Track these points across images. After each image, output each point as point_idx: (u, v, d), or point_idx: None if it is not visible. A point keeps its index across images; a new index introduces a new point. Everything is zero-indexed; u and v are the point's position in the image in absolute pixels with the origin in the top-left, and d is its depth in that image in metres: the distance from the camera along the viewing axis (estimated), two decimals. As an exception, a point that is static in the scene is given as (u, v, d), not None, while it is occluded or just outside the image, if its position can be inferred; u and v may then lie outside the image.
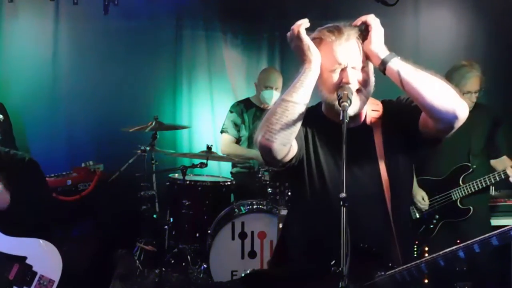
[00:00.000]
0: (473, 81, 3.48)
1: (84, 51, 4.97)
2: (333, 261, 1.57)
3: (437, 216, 3.62)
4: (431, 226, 3.63)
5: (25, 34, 4.85)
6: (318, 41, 1.80)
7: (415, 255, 3.81)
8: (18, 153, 2.96)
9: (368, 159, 1.86)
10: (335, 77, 1.79)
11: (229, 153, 4.40)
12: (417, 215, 3.66)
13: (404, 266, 1.73)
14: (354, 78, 1.78)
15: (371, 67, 1.85)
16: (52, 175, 4.27)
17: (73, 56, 4.96)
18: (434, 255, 1.70)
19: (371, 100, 1.94)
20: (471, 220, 3.51)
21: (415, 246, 3.80)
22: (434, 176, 3.64)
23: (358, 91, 1.79)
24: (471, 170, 3.50)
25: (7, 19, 4.80)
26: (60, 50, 4.93)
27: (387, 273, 1.72)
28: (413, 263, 1.73)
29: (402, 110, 1.89)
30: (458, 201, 3.53)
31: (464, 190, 3.50)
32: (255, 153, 4.31)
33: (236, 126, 4.45)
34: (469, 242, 1.67)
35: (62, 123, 5.00)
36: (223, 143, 4.47)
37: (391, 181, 1.84)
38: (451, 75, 3.56)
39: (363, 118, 1.92)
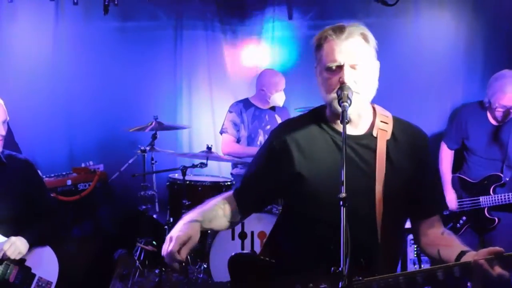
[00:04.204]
0: (510, 97, 3.44)
1: (84, 51, 4.97)
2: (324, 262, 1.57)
3: (464, 218, 3.61)
4: (458, 226, 3.62)
5: (25, 34, 4.85)
6: (322, 39, 1.79)
7: (415, 255, 3.83)
8: (17, 154, 2.94)
9: (366, 170, 1.81)
10: (333, 76, 1.76)
11: (230, 153, 4.42)
12: (447, 212, 3.65)
13: (384, 275, 1.67)
14: (351, 78, 1.74)
15: (374, 69, 1.82)
16: (52, 175, 4.27)
17: (73, 56, 4.95)
18: (414, 270, 1.67)
19: (380, 110, 1.90)
20: (498, 233, 3.50)
21: (415, 248, 3.81)
22: (470, 178, 3.63)
23: (356, 91, 1.75)
24: (502, 182, 3.49)
25: (7, 19, 4.80)
26: (60, 50, 4.93)
27: (365, 279, 1.66)
28: (391, 274, 1.68)
29: (419, 158, 1.86)
30: (486, 209, 3.51)
31: (493, 200, 3.48)
32: (256, 150, 4.33)
33: (236, 126, 4.47)
34: (451, 264, 1.64)
35: (62, 123, 4.99)
36: (223, 143, 4.48)
37: (385, 197, 1.78)
38: (491, 84, 3.55)
39: (368, 127, 1.86)
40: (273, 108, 4.55)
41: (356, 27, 1.78)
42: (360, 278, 1.66)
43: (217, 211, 2.00)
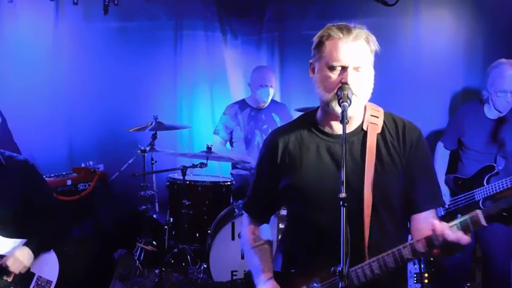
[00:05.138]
0: (509, 80, 3.42)
1: (84, 51, 4.97)
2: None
3: (459, 216, 3.58)
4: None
5: (25, 34, 4.85)
6: (325, 37, 1.78)
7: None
8: (17, 156, 2.93)
9: (355, 167, 1.79)
10: (335, 75, 1.76)
11: (217, 153, 4.43)
12: (442, 213, 3.64)
13: (359, 265, 1.70)
14: (353, 80, 1.74)
15: (372, 71, 1.82)
16: (52, 175, 4.27)
17: (73, 56, 4.96)
18: (383, 254, 1.70)
19: (371, 105, 1.90)
20: (493, 224, 3.47)
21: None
22: (464, 175, 3.63)
23: (355, 93, 1.75)
24: (495, 171, 3.46)
25: (7, 19, 4.80)
26: (60, 50, 4.93)
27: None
28: (365, 262, 1.71)
29: (414, 156, 1.85)
30: (481, 202, 3.49)
31: (487, 190, 3.46)
32: (238, 156, 4.36)
33: (227, 128, 4.50)
34: (413, 241, 1.69)
35: (62, 123, 4.99)
36: (214, 143, 4.50)
37: (374, 193, 1.77)
38: (489, 73, 3.55)
39: (359, 123, 1.86)
40: (270, 106, 4.52)
41: (362, 30, 1.78)
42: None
43: (266, 247, 2.04)
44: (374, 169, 1.78)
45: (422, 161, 1.86)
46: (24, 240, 2.76)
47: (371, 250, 1.75)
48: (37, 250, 2.75)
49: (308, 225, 1.86)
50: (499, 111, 3.56)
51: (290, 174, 1.87)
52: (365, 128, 1.85)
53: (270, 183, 1.95)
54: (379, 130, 1.84)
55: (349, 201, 1.60)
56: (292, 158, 1.88)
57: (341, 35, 1.75)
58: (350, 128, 1.85)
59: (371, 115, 1.86)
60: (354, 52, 1.75)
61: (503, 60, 3.55)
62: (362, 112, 1.87)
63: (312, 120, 1.91)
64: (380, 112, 1.89)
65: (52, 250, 2.84)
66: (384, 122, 1.86)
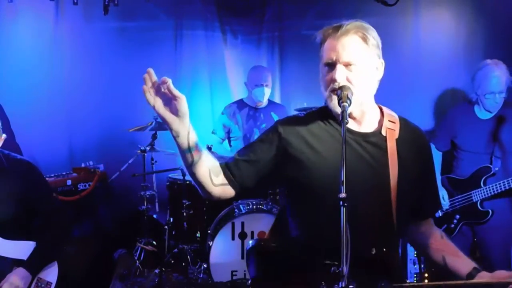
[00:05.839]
0: (495, 82, 3.43)
1: (84, 51, 4.97)
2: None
3: (457, 216, 3.59)
4: (452, 226, 3.60)
5: (25, 34, 4.85)
6: (324, 37, 1.80)
7: (415, 255, 3.83)
8: (22, 158, 2.92)
9: (377, 167, 1.80)
10: (327, 73, 1.77)
11: (215, 153, 4.43)
12: (440, 214, 3.64)
13: (410, 284, 1.75)
14: (342, 76, 1.73)
15: (373, 68, 1.80)
16: (52, 175, 4.26)
17: (73, 56, 4.96)
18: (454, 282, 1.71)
19: (387, 110, 1.91)
20: (491, 224, 3.49)
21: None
22: (459, 175, 3.63)
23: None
24: (492, 172, 3.47)
25: (7, 19, 4.80)
26: (60, 50, 4.93)
27: (393, 285, 1.66)
28: (418, 284, 1.73)
29: (423, 161, 1.90)
30: (479, 203, 3.50)
31: (484, 192, 3.48)
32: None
33: (225, 128, 4.51)
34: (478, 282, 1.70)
35: (62, 123, 4.99)
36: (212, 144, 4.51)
37: (398, 195, 1.79)
38: (475, 76, 3.55)
39: (376, 125, 1.87)
40: (269, 106, 4.52)
41: (353, 25, 1.76)
42: (383, 284, 1.66)
43: (216, 163, 1.89)
44: (397, 174, 1.79)
45: (431, 168, 1.95)
46: (25, 242, 2.77)
47: (394, 248, 1.82)
48: (37, 269, 2.74)
49: (324, 214, 1.78)
50: (490, 111, 3.56)
51: (309, 163, 1.81)
52: (384, 134, 1.84)
53: (270, 163, 1.85)
54: (396, 136, 1.85)
55: (378, 200, 1.72)
56: (311, 148, 1.83)
57: (330, 31, 1.77)
58: (367, 128, 1.85)
59: (389, 121, 1.87)
60: (342, 48, 1.74)
61: (488, 60, 3.54)
62: (377, 112, 1.88)
63: (330, 114, 1.86)
64: (395, 118, 1.90)
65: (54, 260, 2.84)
66: (400, 128, 1.87)
